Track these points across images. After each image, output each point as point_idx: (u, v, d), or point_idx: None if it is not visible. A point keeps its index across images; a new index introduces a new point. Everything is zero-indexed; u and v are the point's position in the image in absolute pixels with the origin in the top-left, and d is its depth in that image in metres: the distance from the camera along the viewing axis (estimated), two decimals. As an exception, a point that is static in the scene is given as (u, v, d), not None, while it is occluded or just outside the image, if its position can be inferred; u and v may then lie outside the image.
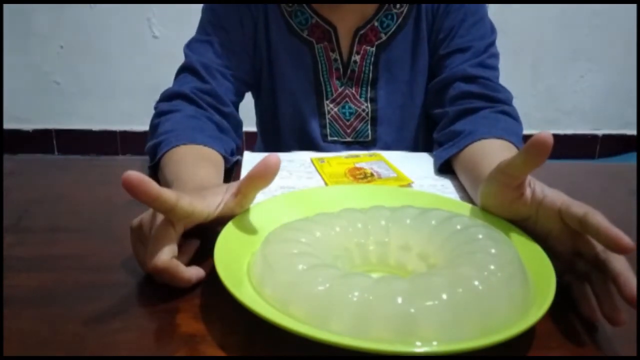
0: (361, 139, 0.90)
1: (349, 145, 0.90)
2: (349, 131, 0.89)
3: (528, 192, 0.49)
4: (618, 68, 2.48)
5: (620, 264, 0.42)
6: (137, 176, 0.41)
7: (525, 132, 0.77)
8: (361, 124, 0.89)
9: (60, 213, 0.63)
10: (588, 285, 0.45)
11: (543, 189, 0.49)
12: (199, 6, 0.87)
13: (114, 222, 0.60)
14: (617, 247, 0.41)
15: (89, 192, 0.69)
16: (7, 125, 2.40)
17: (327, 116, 0.89)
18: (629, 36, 2.41)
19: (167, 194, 0.43)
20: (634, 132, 2.55)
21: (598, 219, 0.42)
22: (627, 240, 0.40)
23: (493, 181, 0.51)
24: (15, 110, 2.42)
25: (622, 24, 2.40)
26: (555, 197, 0.47)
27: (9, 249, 0.54)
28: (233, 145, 0.76)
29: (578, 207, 0.45)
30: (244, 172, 0.73)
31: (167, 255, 0.44)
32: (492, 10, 0.86)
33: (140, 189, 0.42)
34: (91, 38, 2.35)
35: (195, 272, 0.47)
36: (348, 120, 0.89)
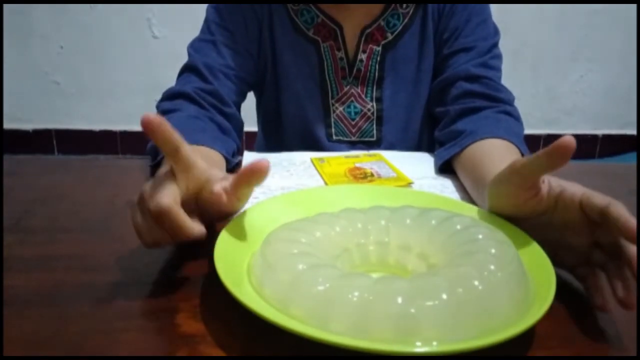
0: (366, 139, 0.90)
1: (353, 145, 0.90)
2: (354, 130, 0.89)
3: (544, 188, 0.48)
4: (618, 68, 2.49)
5: (635, 249, 0.42)
6: (156, 118, 0.44)
7: (526, 131, 0.77)
8: (366, 123, 0.89)
9: (60, 213, 0.63)
10: (603, 276, 0.46)
11: (559, 182, 0.49)
12: (199, 6, 0.87)
13: (114, 222, 0.60)
14: (634, 239, 0.42)
15: (89, 192, 0.69)
16: (7, 125, 2.40)
17: (333, 115, 0.89)
18: (628, 36, 2.41)
19: (176, 135, 0.46)
20: (634, 132, 2.56)
21: (620, 209, 0.43)
22: None
23: (505, 182, 0.50)
24: (15, 110, 2.42)
25: (621, 24, 2.40)
26: (575, 189, 0.48)
27: (9, 249, 0.54)
28: (234, 147, 0.76)
29: (600, 198, 0.45)
30: (244, 172, 0.73)
31: (170, 197, 0.44)
32: (493, 10, 0.86)
33: (158, 129, 0.45)
34: (91, 38, 2.35)
35: (197, 226, 0.46)
36: (353, 120, 0.89)
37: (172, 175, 0.47)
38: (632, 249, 0.43)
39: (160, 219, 0.44)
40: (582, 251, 0.47)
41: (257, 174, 0.47)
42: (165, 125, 0.45)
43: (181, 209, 0.45)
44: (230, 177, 0.50)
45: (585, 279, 0.47)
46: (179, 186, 0.46)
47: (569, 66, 2.49)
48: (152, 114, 0.45)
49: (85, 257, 0.53)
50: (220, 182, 0.48)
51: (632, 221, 0.42)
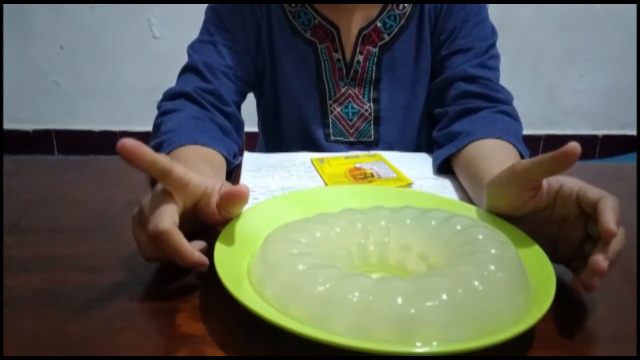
0: (364, 139, 0.90)
1: (351, 145, 0.90)
2: (352, 131, 0.89)
3: (543, 186, 0.49)
4: (618, 68, 2.48)
5: (605, 245, 0.43)
6: (133, 142, 0.43)
7: (525, 132, 0.77)
8: (364, 124, 0.89)
9: (60, 213, 0.63)
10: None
11: (558, 178, 0.49)
12: (199, 6, 0.87)
13: (114, 222, 0.60)
14: (606, 234, 0.42)
15: (89, 192, 0.69)
16: (7, 125, 2.40)
17: (330, 116, 0.89)
18: (628, 36, 2.41)
19: (162, 159, 0.45)
20: (634, 132, 2.55)
21: (608, 204, 0.43)
22: (610, 226, 0.42)
23: (505, 184, 0.50)
24: (15, 110, 2.41)
25: (621, 24, 2.40)
26: (574, 183, 0.48)
27: (9, 249, 0.54)
28: (235, 148, 0.76)
29: (594, 192, 0.46)
30: (244, 172, 0.73)
31: (168, 220, 0.43)
32: (493, 10, 0.86)
33: (136, 153, 0.43)
34: (91, 38, 2.35)
35: (197, 254, 0.45)
36: (351, 120, 0.89)
37: (169, 192, 0.46)
38: (602, 243, 0.43)
39: (159, 242, 0.44)
40: (577, 244, 0.48)
41: (236, 200, 0.48)
42: (142, 148, 0.44)
43: (180, 232, 0.44)
44: (225, 185, 0.50)
45: (577, 271, 0.47)
46: (177, 204, 0.46)
47: (569, 66, 2.49)
48: (128, 139, 0.43)
49: (85, 257, 0.53)
50: (215, 196, 0.49)
51: (610, 218, 0.42)
